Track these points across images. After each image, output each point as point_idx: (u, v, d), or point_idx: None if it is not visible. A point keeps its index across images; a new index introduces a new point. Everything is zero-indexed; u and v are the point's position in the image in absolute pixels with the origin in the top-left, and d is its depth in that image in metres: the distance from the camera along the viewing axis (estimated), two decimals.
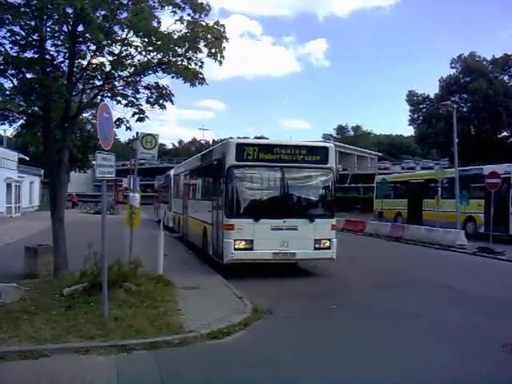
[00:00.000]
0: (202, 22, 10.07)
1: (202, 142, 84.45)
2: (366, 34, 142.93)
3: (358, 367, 5.99)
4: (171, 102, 10.62)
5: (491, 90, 39.63)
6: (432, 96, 45.17)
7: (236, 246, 11.25)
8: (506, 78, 43.22)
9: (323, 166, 12.06)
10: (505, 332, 7.50)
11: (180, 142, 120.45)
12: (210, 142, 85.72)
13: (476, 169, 23.36)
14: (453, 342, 7.09)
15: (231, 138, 11.82)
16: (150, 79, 10.69)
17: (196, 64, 10.32)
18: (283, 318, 8.28)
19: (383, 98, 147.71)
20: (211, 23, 10.11)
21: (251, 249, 11.30)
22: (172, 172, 25.53)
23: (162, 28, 9.91)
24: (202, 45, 10.08)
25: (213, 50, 10.04)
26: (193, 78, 10.31)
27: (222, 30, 10.17)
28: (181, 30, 9.99)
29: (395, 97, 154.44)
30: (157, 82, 10.52)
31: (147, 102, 10.51)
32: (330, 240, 11.86)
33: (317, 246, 11.73)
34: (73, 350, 6.18)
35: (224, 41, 10.12)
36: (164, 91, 10.48)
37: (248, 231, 11.26)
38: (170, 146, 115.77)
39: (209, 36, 9.98)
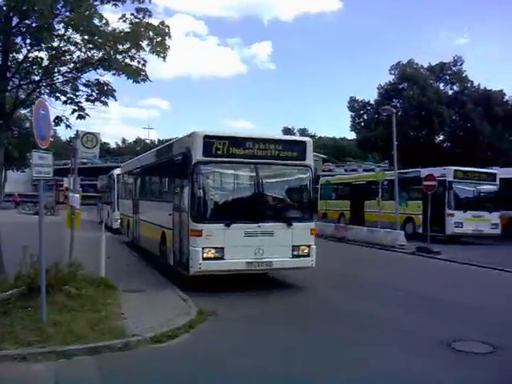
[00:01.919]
0: (145, 21, 9.92)
1: (148, 141, 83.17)
2: (310, 39, 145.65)
3: (300, 367, 6.06)
4: (114, 98, 10.38)
5: (425, 97, 41.37)
6: (372, 102, 46.63)
7: (204, 256, 9.86)
8: (441, 85, 45.32)
9: (301, 163, 10.92)
10: (440, 328, 7.84)
11: (123, 140, 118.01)
12: (156, 142, 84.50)
13: (414, 171, 24.29)
14: (391, 338, 7.33)
15: (194, 131, 10.25)
16: (90, 75, 10.39)
17: (139, 62, 10.15)
18: (229, 319, 8.26)
19: (327, 101, 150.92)
20: (156, 23, 9.99)
21: (222, 258, 9.98)
22: (116, 171, 24.89)
23: (104, 23, 9.67)
24: (144, 43, 9.92)
25: (157, 48, 9.90)
26: (135, 74, 10.10)
27: (167, 30, 10.05)
28: (123, 29, 9.80)
29: (339, 100, 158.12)
30: (97, 79, 10.25)
31: (87, 99, 10.20)
32: (309, 246, 10.78)
33: (295, 253, 10.61)
34: (9, 358, 5.89)
35: (167, 38, 9.99)
36: (106, 88, 10.21)
37: (218, 238, 9.93)
38: (113, 145, 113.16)
39: (151, 33, 9.82)
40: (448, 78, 45.00)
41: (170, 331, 7.09)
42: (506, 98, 43.31)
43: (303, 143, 11.20)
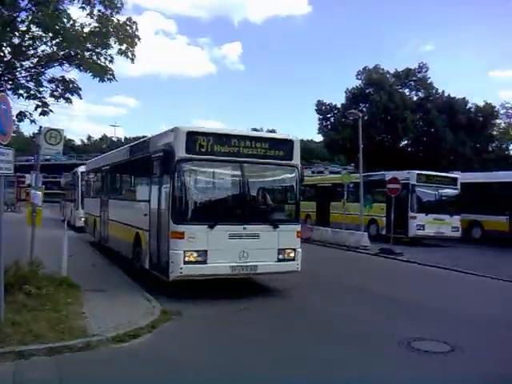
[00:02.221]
0: (114, 19, 9.79)
1: (114, 139, 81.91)
2: (280, 41, 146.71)
3: (262, 365, 6.12)
4: (78, 95, 10.20)
5: (392, 103, 42.24)
6: (339, 105, 47.29)
7: (186, 259, 9.23)
8: (406, 90, 46.36)
9: (287, 162, 10.43)
10: (401, 328, 8.04)
11: (89, 138, 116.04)
12: (122, 140, 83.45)
13: (379, 174, 24.74)
14: (353, 338, 7.47)
15: (176, 126, 9.57)
16: (55, 71, 10.19)
17: (106, 59, 10.01)
18: (193, 319, 8.23)
19: (296, 103, 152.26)
20: (123, 19, 9.88)
21: (204, 262, 9.38)
22: (81, 169, 24.41)
23: (72, 21, 9.50)
24: (112, 41, 9.78)
25: (123, 47, 9.78)
26: (101, 73, 9.94)
27: (134, 27, 9.94)
28: (90, 24, 9.67)
29: (307, 103, 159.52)
30: (63, 76, 10.06)
31: (51, 95, 10.00)
32: (294, 250, 10.35)
33: (280, 256, 10.13)
34: None
35: (136, 40, 9.89)
36: (71, 85, 10.03)
37: (201, 240, 9.32)
38: (78, 142, 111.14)
39: (120, 33, 9.71)
40: (413, 84, 46.06)
41: (133, 331, 7.03)
42: (469, 105, 44.70)
43: (290, 142, 10.64)
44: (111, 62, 10.07)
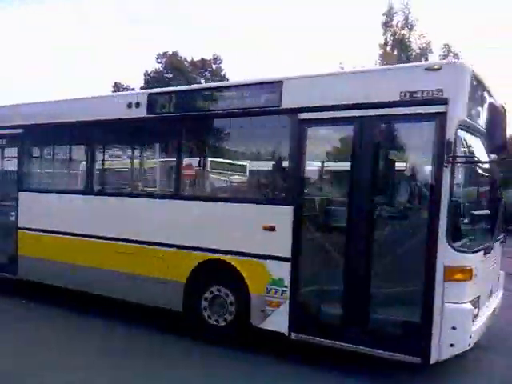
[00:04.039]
0: None
1: None
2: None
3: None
4: None
5: None
6: (138, 88, 46.63)
7: (474, 317, 5.10)
8: (203, 80, 48.00)
9: None
10: None
11: None
12: None
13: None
14: None
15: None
16: None
17: None
18: None
19: (92, 85, 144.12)
20: None
21: (477, 315, 5.22)
22: None
23: None
24: None
25: None
26: None
27: None
28: None
29: (104, 84, 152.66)
30: None
31: None
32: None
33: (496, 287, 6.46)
34: None
35: None
36: None
37: (478, 278, 5.13)
38: None
39: None
40: (209, 74, 47.92)
41: None
42: None
43: None
44: None
